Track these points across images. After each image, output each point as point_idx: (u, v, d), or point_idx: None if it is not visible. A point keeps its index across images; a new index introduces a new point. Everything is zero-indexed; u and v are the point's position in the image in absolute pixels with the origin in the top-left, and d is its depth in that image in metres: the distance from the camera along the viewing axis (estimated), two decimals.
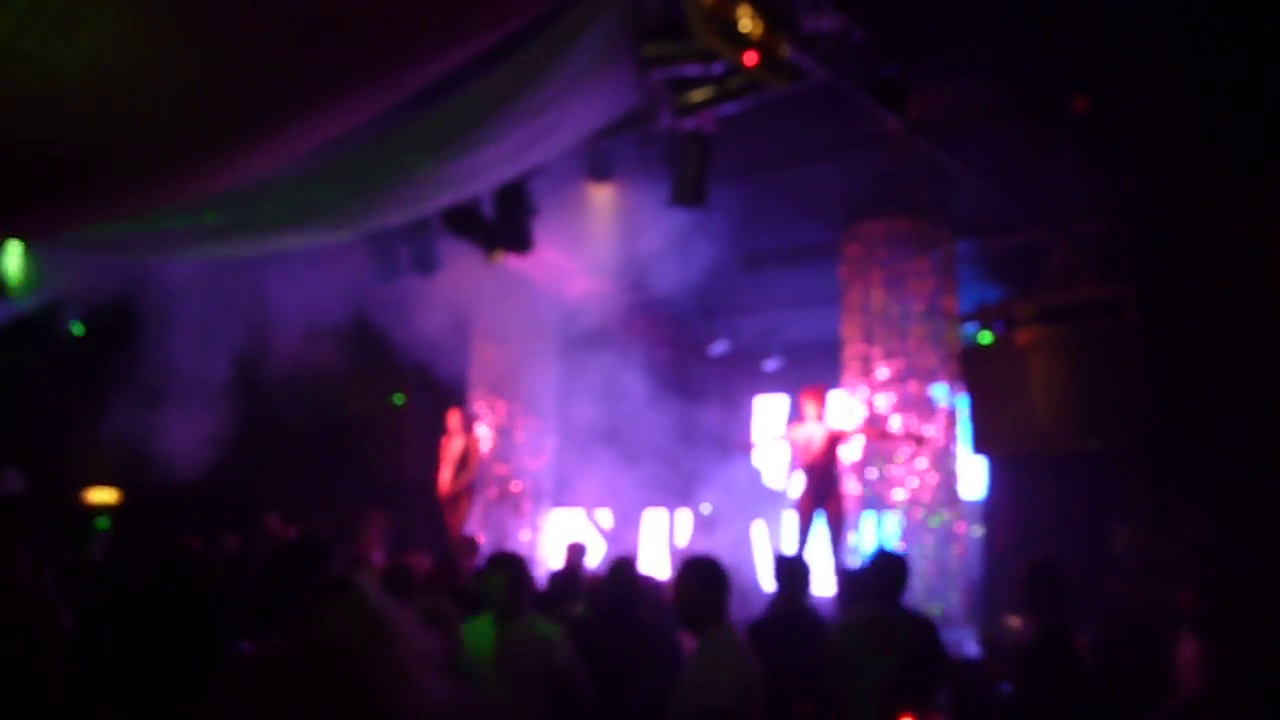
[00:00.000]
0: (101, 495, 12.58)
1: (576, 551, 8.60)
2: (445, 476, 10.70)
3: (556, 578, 8.12)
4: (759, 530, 11.88)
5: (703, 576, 4.40)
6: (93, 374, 10.91)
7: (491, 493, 11.91)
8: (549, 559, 11.13)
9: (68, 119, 3.95)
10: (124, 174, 4.66)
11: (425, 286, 9.62)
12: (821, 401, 8.76)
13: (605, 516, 12.37)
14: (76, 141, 4.13)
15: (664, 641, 5.64)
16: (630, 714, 4.86)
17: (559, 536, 11.27)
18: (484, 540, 10.65)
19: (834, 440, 8.64)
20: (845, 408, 9.64)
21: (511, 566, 4.83)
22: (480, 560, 8.90)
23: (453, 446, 10.77)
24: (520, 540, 11.75)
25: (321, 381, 12.21)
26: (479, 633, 4.62)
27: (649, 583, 6.23)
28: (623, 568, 5.51)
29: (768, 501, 12.12)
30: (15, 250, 7.81)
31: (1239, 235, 8.10)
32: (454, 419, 10.93)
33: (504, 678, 4.47)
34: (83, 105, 3.88)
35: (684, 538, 12.45)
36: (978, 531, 9.96)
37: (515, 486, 11.98)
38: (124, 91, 3.87)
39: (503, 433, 12.04)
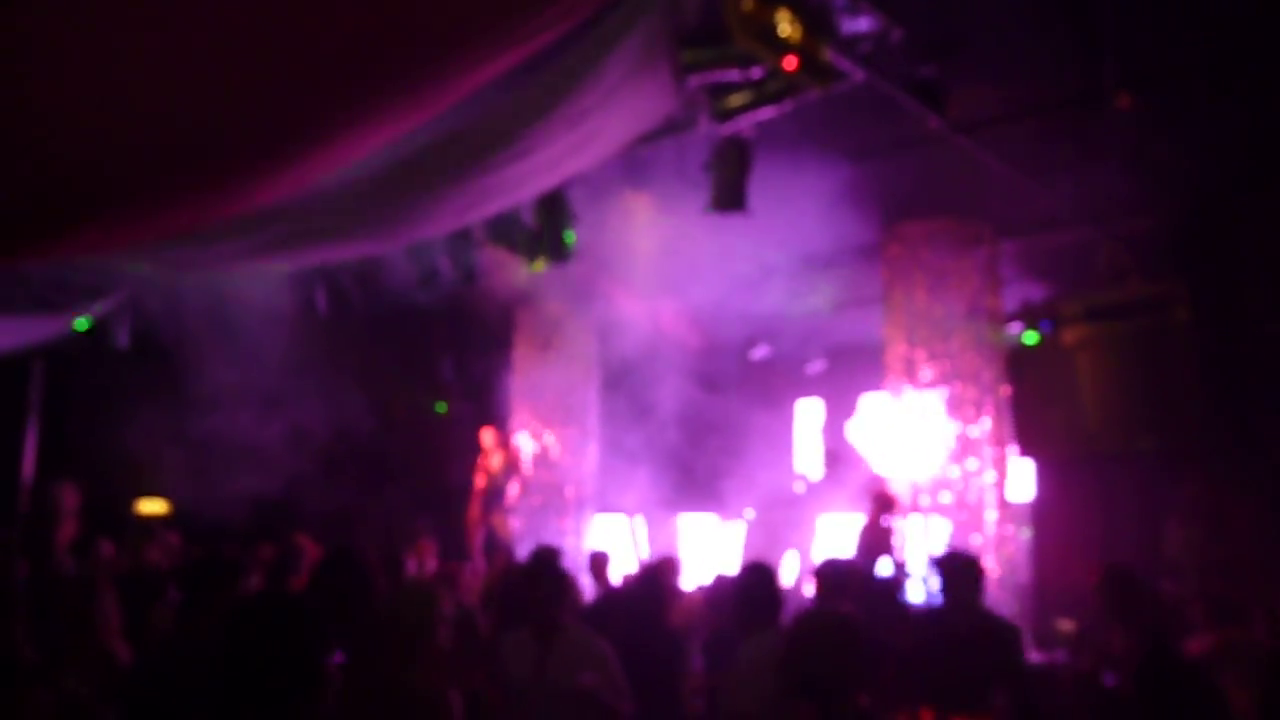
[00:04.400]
0: (152, 506, 12.75)
1: (599, 561, 8.58)
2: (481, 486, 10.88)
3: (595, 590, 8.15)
4: (799, 534, 11.78)
5: (761, 583, 4.46)
6: (143, 387, 11.06)
7: (535, 499, 11.97)
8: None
9: (116, 134, 3.99)
10: (173, 189, 4.71)
11: (467, 293, 9.65)
12: (888, 503, 8.75)
13: (647, 521, 12.33)
14: (123, 158, 4.17)
15: (680, 646, 5.71)
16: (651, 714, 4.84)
17: (601, 542, 11.28)
18: (527, 546, 10.72)
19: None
20: (889, 411, 9.58)
21: (554, 580, 4.75)
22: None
23: (491, 462, 10.91)
24: (565, 546, 11.79)
25: (366, 390, 12.30)
26: (519, 646, 4.55)
27: (674, 589, 6.27)
28: (653, 574, 5.51)
29: (808, 506, 12.03)
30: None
31: None
32: (488, 436, 11.04)
33: (548, 694, 4.37)
34: (129, 122, 3.92)
35: (726, 542, 12.38)
36: (1026, 534, 9.82)
37: (559, 493, 12.03)
38: (173, 106, 3.90)
39: (545, 439, 12.08)
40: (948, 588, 5.26)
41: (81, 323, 9.10)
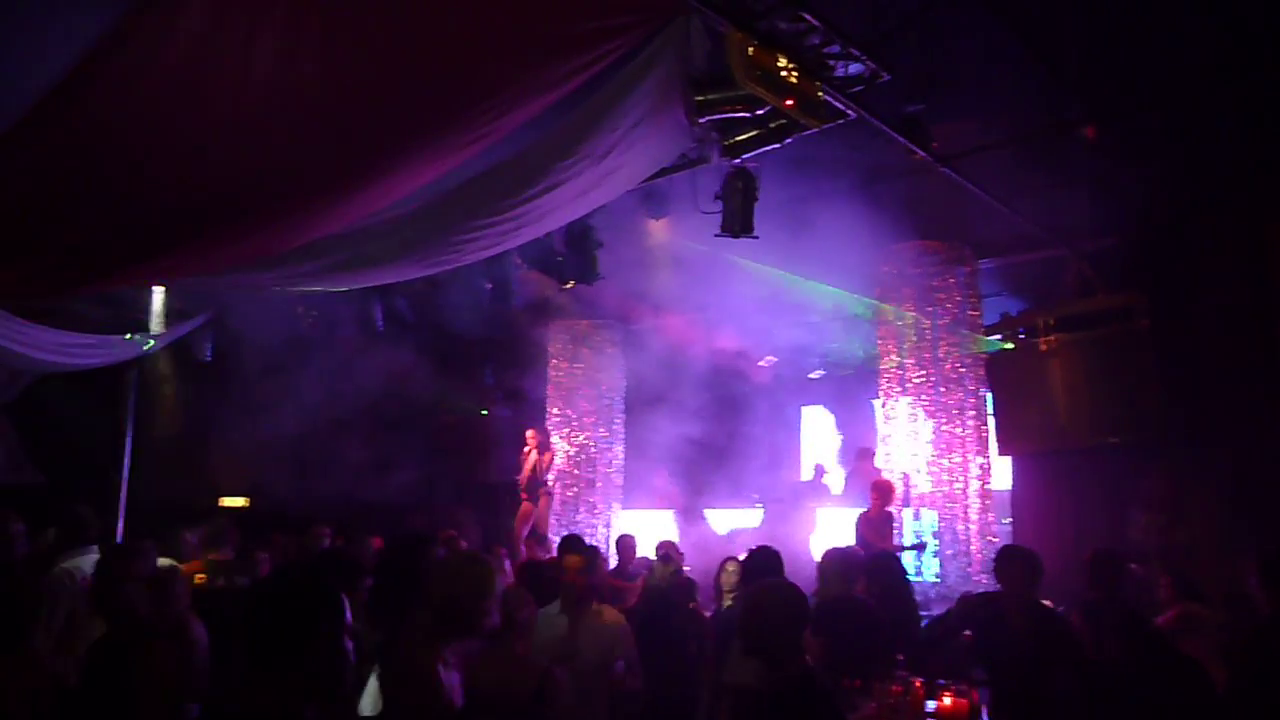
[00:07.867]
0: (233, 502, 12.84)
1: (627, 546, 8.57)
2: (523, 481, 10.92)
3: (614, 572, 8.14)
4: (801, 522, 11.74)
5: (764, 564, 4.45)
6: (224, 394, 11.17)
7: (569, 493, 11.99)
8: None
9: (199, 178, 4.05)
10: (245, 225, 4.76)
11: (505, 309, 9.67)
12: (886, 494, 8.73)
13: (669, 514, 12.32)
14: (205, 197, 4.23)
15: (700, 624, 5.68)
16: (674, 687, 4.82)
17: (626, 530, 11.27)
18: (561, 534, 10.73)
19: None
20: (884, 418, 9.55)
21: (583, 555, 4.77)
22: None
23: (530, 460, 10.95)
24: (595, 535, 11.79)
25: (417, 396, 12.38)
26: (549, 622, 4.50)
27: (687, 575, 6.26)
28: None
29: (808, 497, 12.00)
30: None
31: (1240, 242, 7.89)
32: (530, 437, 11.09)
33: (574, 664, 4.32)
34: (210, 166, 3.98)
35: (739, 531, 12.35)
36: (1005, 521, 9.75)
37: (590, 487, 12.04)
38: (247, 154, 3.96)
39: (577, 440, 12.10)
40: (1001, 578, 4.78)
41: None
